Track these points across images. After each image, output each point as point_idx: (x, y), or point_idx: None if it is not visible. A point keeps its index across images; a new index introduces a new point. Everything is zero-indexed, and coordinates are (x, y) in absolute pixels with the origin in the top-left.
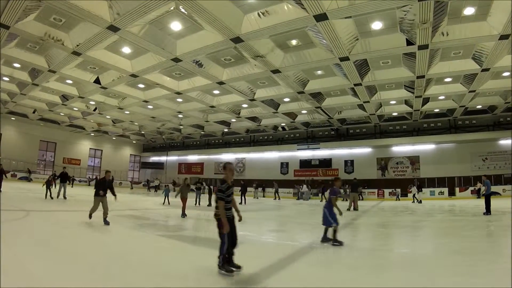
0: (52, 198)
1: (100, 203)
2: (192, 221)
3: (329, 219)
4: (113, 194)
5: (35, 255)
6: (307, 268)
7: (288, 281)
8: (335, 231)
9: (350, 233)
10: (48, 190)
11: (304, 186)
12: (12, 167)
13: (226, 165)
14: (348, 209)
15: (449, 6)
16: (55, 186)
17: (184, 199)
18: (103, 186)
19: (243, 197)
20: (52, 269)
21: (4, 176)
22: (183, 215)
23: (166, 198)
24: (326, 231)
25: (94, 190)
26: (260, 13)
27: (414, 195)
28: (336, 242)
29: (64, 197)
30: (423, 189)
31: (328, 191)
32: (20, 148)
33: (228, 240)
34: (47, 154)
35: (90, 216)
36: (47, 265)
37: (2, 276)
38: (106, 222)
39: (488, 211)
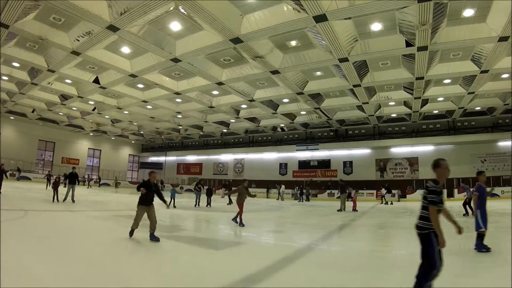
0: (58, 201)
1: (145, 213)
2: (192, 221)
3: (479, 222)
4: (163, 201)
5: (35, 255)
6: (305, 269)
7: (287, 282)
8: (482, 236)
9: (349, 234)
10: (56, 192)
11: (283, 186)
12: (11, 167)
13: (441, 162)
14: (339, 210)
15: (448, 7)
16: (47, 186)
17: (241, 205)
18: (149, 191)
19: (209, 199)
20: (51, 268)
21: (4, 176)
22: (240, 223)
23: (172, 200)
24: (478, 236)
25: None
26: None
27: (383, 196)
28: (483, 248)
29: (73, 200)
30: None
31: (472, 189)
32: (19, 147)
33: (439, 263)
34: (46, 154)
35: (131, 233)
36: (46, 265)
37: (2, 276)
38: (155, 238)
39: (467, 212)
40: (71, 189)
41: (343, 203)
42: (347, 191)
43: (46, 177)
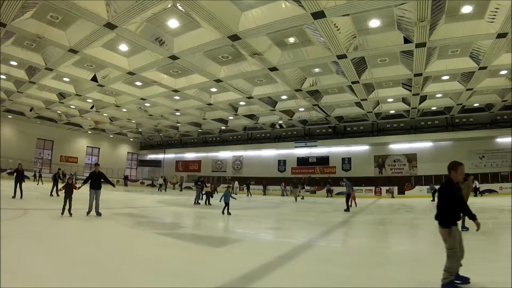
0: (71, 214)
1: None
2: (190, 219)
3: None
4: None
5: (35, 255)
6: (305, 266)
7: (286, 279)
8: None
9: (348, 230)
10: (68, 200)
11: (236, 182)
12: (9, 166)
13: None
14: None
15: (446, 4)
16: (50, 188)
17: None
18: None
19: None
20: (52, 268)
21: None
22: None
23: (226, 207)
24: None
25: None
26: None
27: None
28: None
29: (97, 213)
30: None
31: None
32: (17, 146)
33: None
34: (44, 152)
35: None
36: (47, 264)
37: (2, 276)
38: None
39: (348, 208)
40: (94, 197)
41: (295, 197)
42: (298, 187)
43: (53, 178)
